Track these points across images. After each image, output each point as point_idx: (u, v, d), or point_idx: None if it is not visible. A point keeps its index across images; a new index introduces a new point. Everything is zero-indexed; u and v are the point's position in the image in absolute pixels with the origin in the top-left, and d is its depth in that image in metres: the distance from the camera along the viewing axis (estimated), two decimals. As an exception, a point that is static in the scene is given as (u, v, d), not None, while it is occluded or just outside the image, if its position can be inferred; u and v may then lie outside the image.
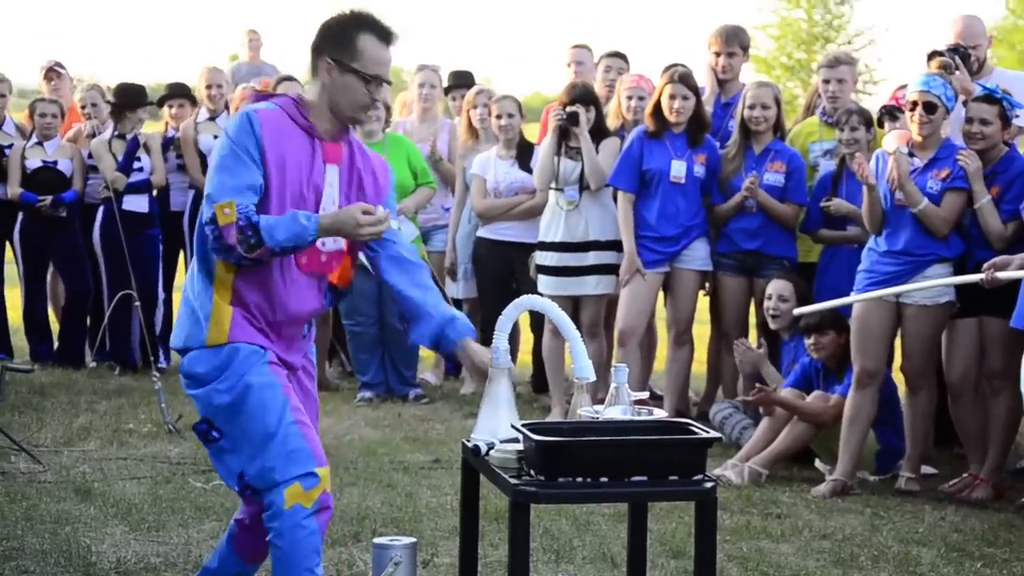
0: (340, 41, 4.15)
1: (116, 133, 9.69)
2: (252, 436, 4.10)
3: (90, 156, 9.85)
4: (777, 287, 7.59)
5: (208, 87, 9.92)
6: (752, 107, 7.88)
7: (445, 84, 10.06)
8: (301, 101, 4.20)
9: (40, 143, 9.87)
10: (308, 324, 4.35)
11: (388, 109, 9.08)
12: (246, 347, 4.13)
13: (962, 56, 7.26)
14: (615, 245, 8.24)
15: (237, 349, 4.12)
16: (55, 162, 9.80)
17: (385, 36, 4.19)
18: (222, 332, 4.12)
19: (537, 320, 8.81)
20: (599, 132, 8.35)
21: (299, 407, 4.17)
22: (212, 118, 9.87)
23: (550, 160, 8.29)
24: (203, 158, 9.53)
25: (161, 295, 9.78)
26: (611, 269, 8.26)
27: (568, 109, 8.24)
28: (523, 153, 8.82)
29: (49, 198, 9.67)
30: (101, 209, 9.54)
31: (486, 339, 4.27)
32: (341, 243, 4.24)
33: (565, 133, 8.26)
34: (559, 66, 10.14)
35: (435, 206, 9.39)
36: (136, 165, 9.60)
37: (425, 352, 9.57)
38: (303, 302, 4.23)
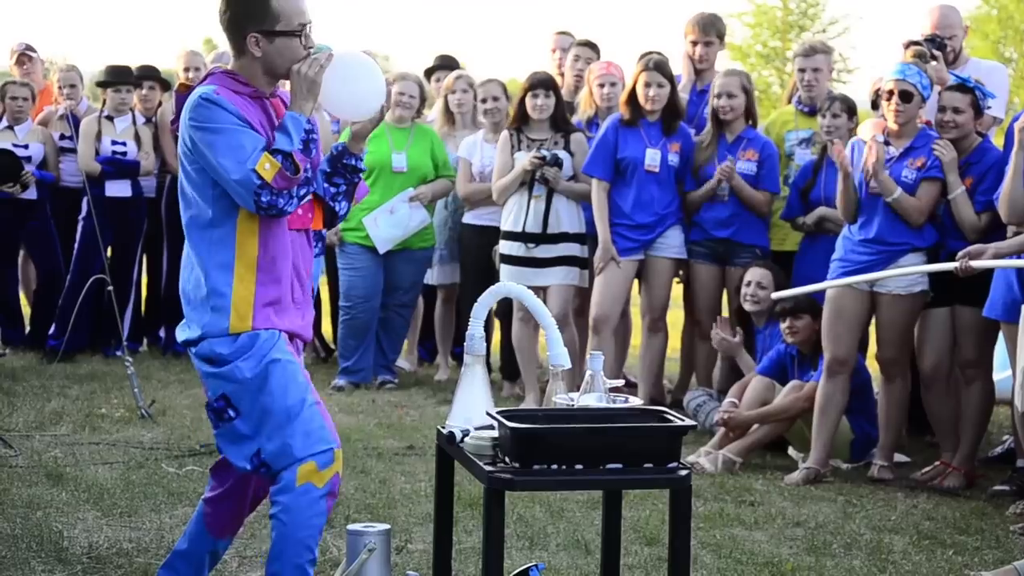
0: (256, 12, 4.14)
1: (106, 114, 9.65)
2: (274, 413, 4.12)
3: (62, 137, 9.79)
4: (756, 274, 7.61)
5: (186, 70, 9.87)
6: (719, 96, 7.89)
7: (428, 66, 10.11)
8: (231, 73, 4.20)
9: (10, 127, 9.80)
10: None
11: (423, 100, 9.09)
12: (264, 332, 4.15)
13: (938, 46, 7.28)
14: (579, 237, 8.24)
15: (256, 335, 4.14)
16: (26, 146, 9.73)
17: None
18: (245, 322, 4.13)
19: (501, 307, 8.78)
20: (563, 120, 8.34)
21: (315, 390, 4.22)
22: None
23: (514, 191, 8.25)
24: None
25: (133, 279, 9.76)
26: (575, 261, 8.25)
27: (551, 152, 8.18)
28: (509, 136, 8.79)
29: (29, 172, 9.54)
30: (85, 200, 9.45)
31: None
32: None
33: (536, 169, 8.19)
34: (533, 52, 10.15)
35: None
36: (119, 150, 9.56)
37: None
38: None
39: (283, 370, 4.14)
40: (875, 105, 7.32)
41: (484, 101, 8.83)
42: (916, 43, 7.25)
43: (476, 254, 8.84)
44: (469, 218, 8.95)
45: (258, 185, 4.00)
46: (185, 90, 4.25)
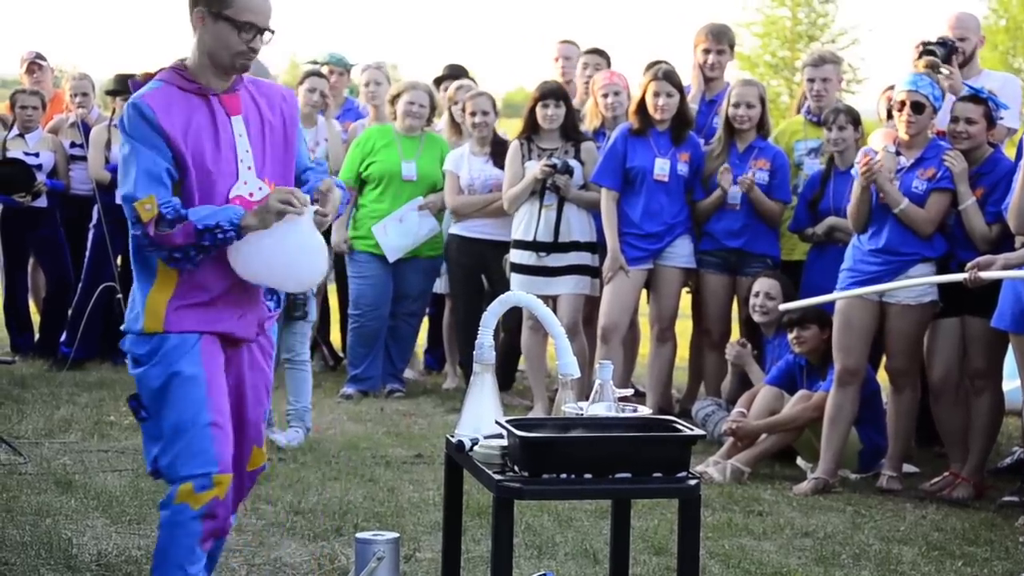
0: None
1: (115, 123, 9.67)
2: (166, 425, 4.16)
3: (73, 145, 9.81)
4: (764, 285, 7.61)
5: None
6: (737, 105, 7.88)
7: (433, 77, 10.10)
8: (183, 66, 4.18)
9: (21, 135, 9.82)
10: (272, 295, 4.34)
11: (434, 109, 9.09)
12: (175, 336, 4.15)
13: (949, 49, 7.28)
14: (590, 246, 8.24)
15: (167, 338, 4.15)
16: (37, 154, 9.75)
17: None
18: (157, 321, 4.16)
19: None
20: (573, 129, 8.35)
21: (221, 407, 4.18)
22: None
23: (525, 200, 8.26)
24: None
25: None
26: (586, 270, 8.25)
27: (562, 159, 8.19)
28: (497, 150, 8.72)
29: (42, 182, 9.55)
30: (95, 208, 9.46)
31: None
32: (266, 188, 4.19)
33: (550, 172, 8.20)
34: (542, 62, 10.16)
35: None
36: None
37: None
38: None
39: (182, 384, 4.13)
40: (890, 115, 7.32)
41: (473, 115, 8.78)
42: (927, 43, 7.26)
43: (464, 265, 8.85)
44: (456, 229, 8.90)
45: (134, 218, 4.03)
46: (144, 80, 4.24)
